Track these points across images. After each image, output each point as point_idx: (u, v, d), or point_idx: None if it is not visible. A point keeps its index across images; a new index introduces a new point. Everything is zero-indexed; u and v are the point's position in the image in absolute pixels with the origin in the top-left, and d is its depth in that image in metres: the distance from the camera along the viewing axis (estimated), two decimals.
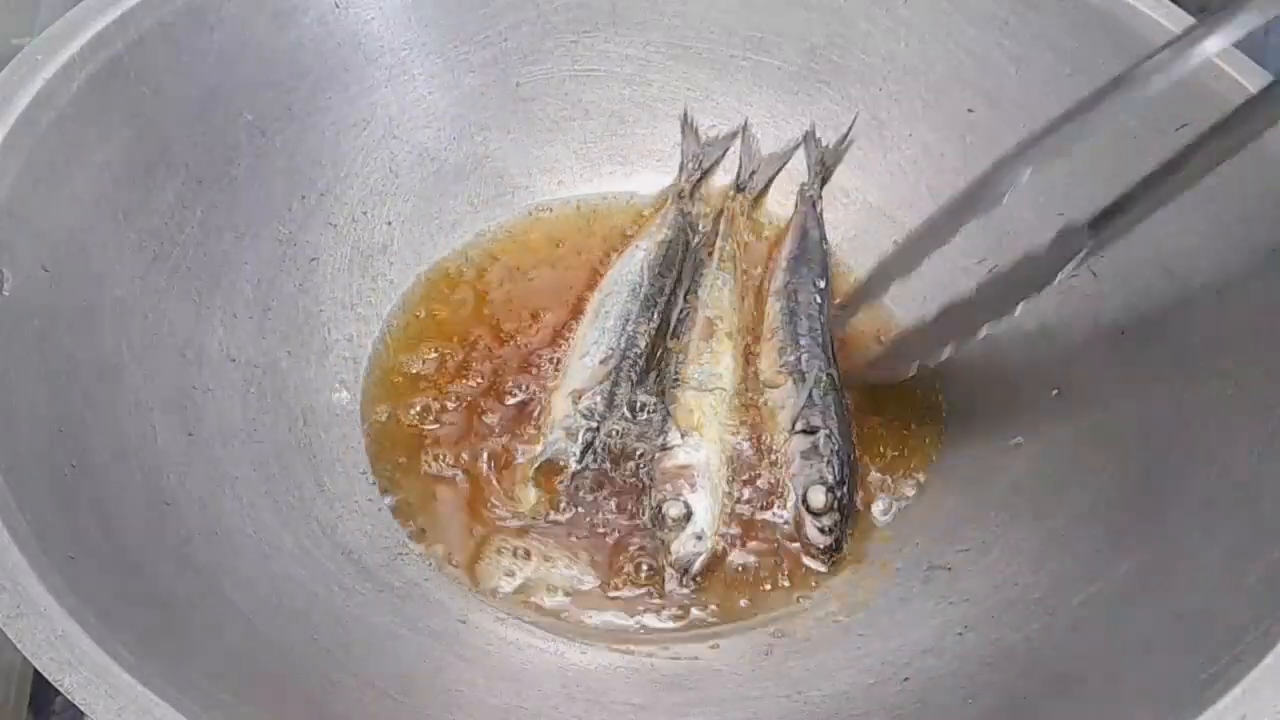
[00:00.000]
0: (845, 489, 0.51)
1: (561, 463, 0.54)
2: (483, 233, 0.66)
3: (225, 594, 0.41)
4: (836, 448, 0.53)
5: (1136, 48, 0.52)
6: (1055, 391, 0.54)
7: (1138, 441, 0.48)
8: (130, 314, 0.47)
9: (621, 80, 0.67)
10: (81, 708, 0.32)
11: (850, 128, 0.66)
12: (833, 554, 0.50)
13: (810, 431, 0.54)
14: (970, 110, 0.60)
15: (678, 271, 0.63)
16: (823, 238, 0.64)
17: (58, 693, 0.32)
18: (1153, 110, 0.52)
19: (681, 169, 0.68)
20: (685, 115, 0.67)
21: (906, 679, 0.43)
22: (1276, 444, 0.42)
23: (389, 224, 0.63)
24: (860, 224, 0.66)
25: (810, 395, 0.55)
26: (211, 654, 0.38)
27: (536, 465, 0.54)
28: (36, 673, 0.36)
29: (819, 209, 0.65)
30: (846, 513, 0.51)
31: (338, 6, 0.58)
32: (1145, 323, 0.52)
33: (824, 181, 0.67)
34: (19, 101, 0.44)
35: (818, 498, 0.50)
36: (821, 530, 0.50)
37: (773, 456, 0.55)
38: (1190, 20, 0.51)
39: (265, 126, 0.56)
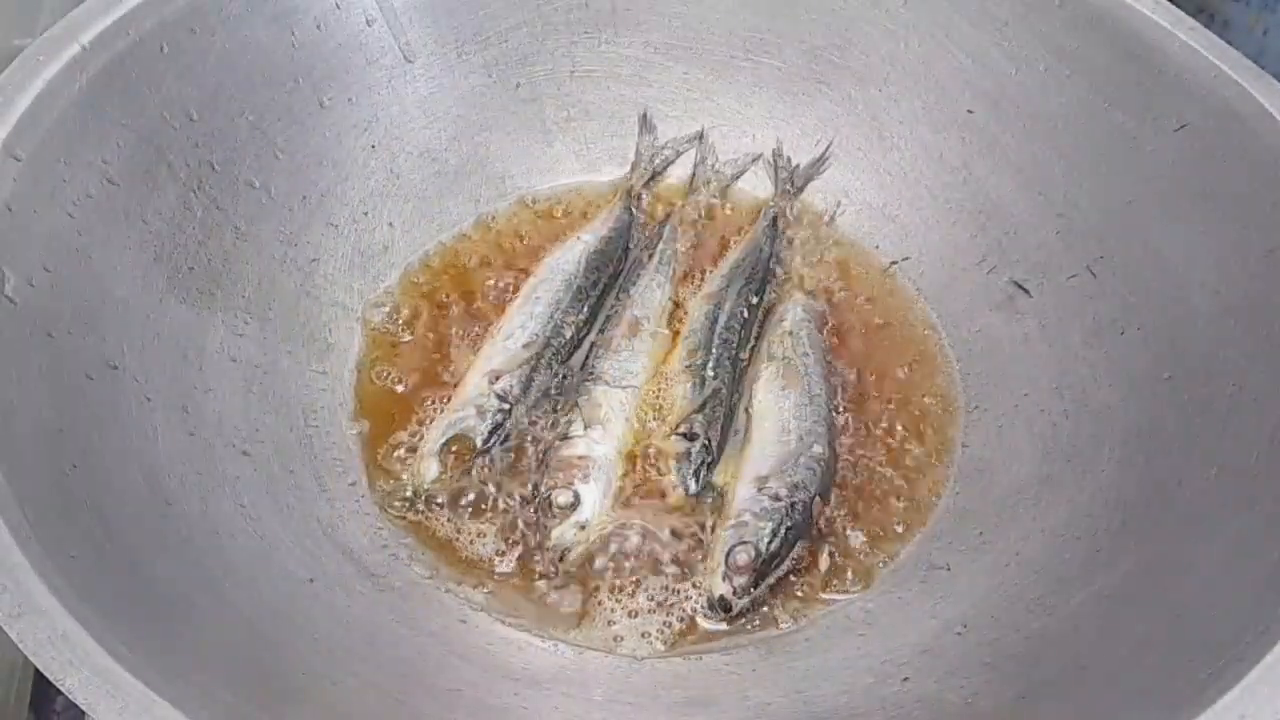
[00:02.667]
0: (772, 563, 0.50)
1: (468, 440, 0.53)
2: (484, 233, 0.66)
3: (226, 594, 0.41)
4: (710, 460, 0.53)
5: (1136, 48, 0.52)
6: (1055, 389, 0.54)
7: (1138, 441, 0.48)
8: (131, 314, 0.47)
9: (622, 81, 0.67)
10: (84, 707, 0.32)
11: (826, 150, 0.66)
12: (725, 612, 0.49)
13: (689, 437, 0.54)
14: (970, 111, 0.60)
15: (614, 268, 0.63)
16: (773, 257, 0.63)
17: (59, 692, 0.32)
18: (1151, 110, 0.52)
19: (634, 167, 0.67)
20: (644, 114, 0.67)
21: (906, 679, 0.43)
22: (1277, 444, 0.42)
23: (390, 225, 0.63)
24: (859, 225, 0.66)
25: (704, 403, 0.55)
26: (212, 653, 0.38)
27: (443, 439, 0.53)
28: (37, 672, 0.36)
29: (780, 227, 0.65)
30: (760, 582, 0.50)
31: (338, 8, 0.58)
32: (1144, 322, 0.52)
33: (793, 198, 0.66)
34: (21, 102, 0.44)
35: (741, 558, 0.49)
36: (733, 590, 0.49)
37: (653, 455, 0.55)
38: (1189, 20, 0.51)
39: (266, 127, 0.55)
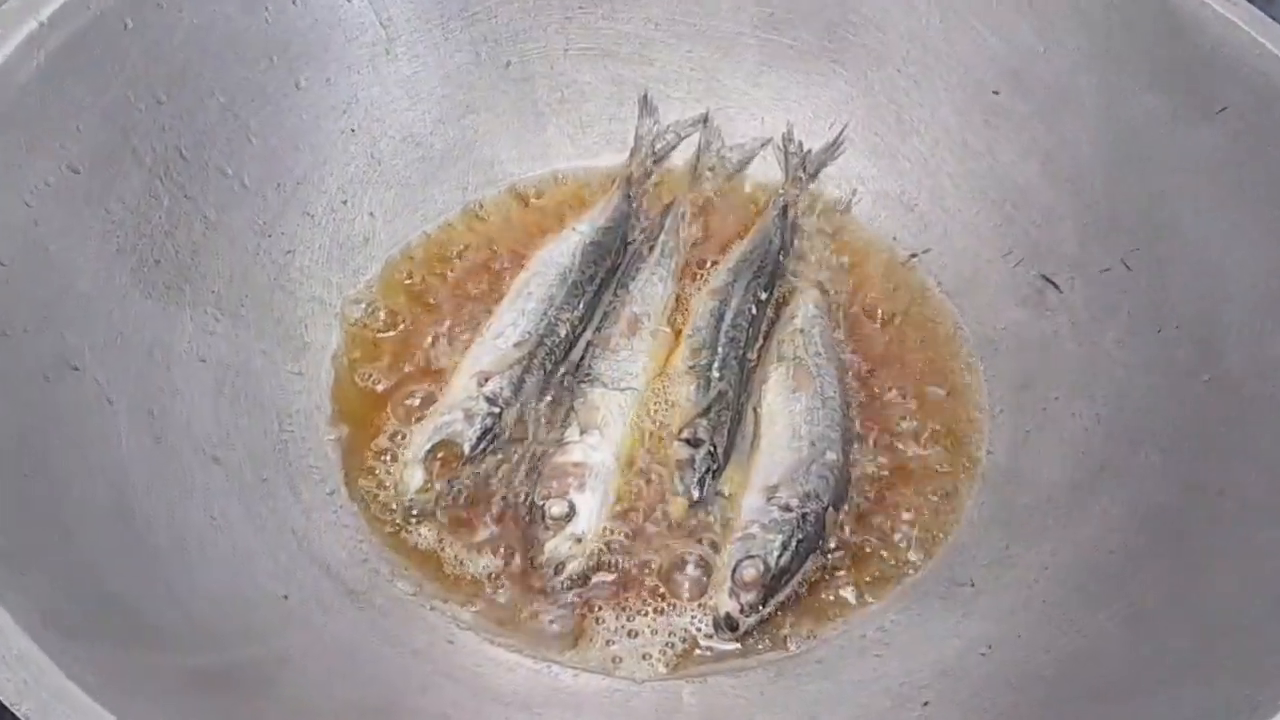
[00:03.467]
0: (782, 578, 0.50)
1: (455, 446, 0.53)
2: (472, 223, 0.66)
3: (193, 612, 0.41)
4: (716, 467, 0.53)
5: (1173, 24, 0.52)
6: (1086, 391, 0.54)
7: (1175, 447, 0.48)
8: (93, 311, 0.47)
9: (620, 60, 0.67)
10: None
11: (840, 134, 0.65)
12: (731, 631, 0.49)
13: (693, 443, 0.53)
14: (995, 93, 0.60)
15: (612, 261, 0.62)
16: (784, 250, 0.63)
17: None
18: (1189, 92, 0.52)
19: (633, 153, 0.67)
20: (644, 95, 0.67)
21: (926, 703, 0.43)
22: None
23: (371, 214, 0.63)
24: (875, 215, 0.66)
25: (709, 407, 0.55)
26: (179, 677, 0.38)
27: (428, 446, 0.53)
28: None
29: (791, 217, 0.65)
30: (769, 598, 0.50)
31: None
32: (1182, 319, 0.52)
33: (804, 186, 0.66)
34: None
35: (749, 573, 0.49)
36: (740, 607, 0.49)
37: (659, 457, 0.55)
38: None
39: (238, 109, 0.55)
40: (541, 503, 0.52)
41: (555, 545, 0.51)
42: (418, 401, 0.58)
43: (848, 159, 0.66)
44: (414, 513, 0.53)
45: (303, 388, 0.57)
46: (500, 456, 0.54)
